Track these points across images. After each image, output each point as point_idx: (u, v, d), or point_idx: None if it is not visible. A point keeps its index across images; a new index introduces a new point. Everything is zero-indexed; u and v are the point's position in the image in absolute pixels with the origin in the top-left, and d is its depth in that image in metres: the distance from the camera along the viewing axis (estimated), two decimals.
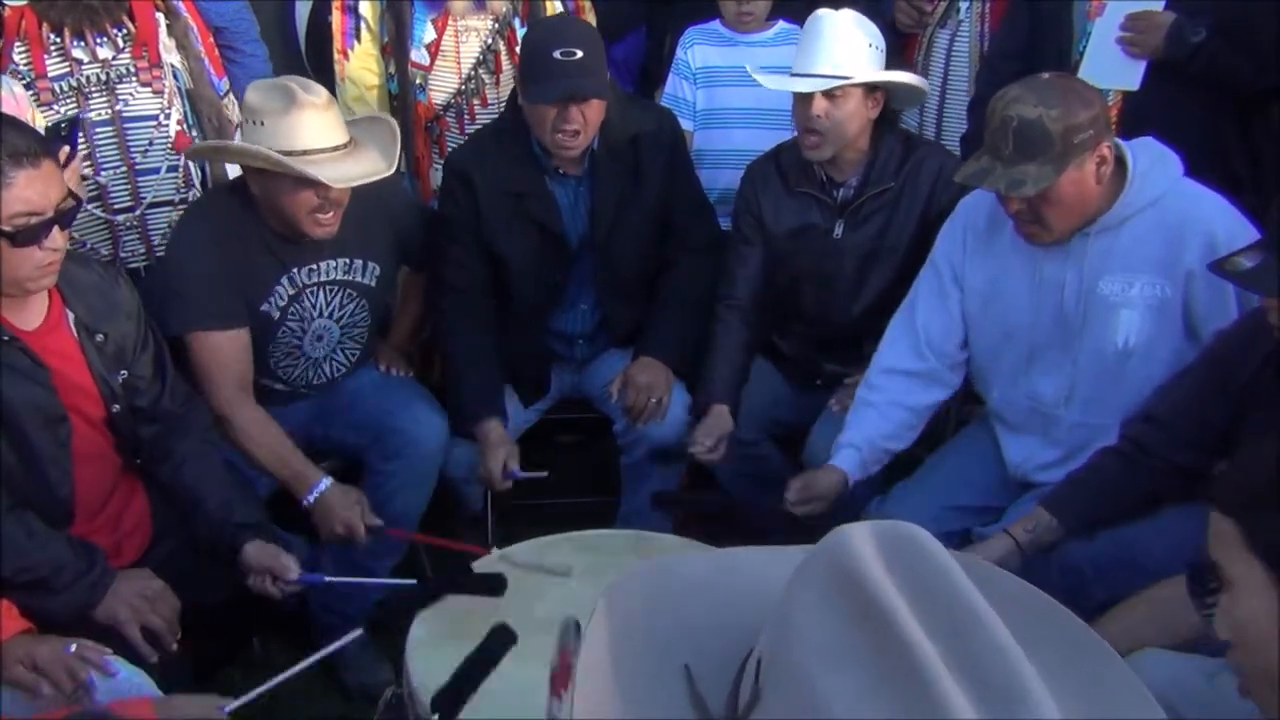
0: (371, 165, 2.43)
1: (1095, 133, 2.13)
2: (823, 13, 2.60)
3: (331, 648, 2.01)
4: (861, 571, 0.78)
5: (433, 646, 1.95)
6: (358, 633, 2.01)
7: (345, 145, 2.42)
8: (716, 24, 3.20)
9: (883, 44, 2.63)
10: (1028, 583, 1.05)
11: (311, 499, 2.46)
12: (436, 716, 1.59)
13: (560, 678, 1.35)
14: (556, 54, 2.49)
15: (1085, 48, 2.72)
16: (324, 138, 2.37)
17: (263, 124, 2.35)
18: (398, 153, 2.50)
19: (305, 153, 2.34)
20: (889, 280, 2.70)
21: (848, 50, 2.55)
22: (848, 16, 2.58)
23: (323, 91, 2.42)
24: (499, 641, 1.66)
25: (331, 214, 2.43)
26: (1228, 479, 1.23)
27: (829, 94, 2.54)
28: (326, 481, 2.47)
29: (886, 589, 0.77)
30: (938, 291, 2.47)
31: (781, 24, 3.19)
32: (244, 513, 2.28)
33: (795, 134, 3.11)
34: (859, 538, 0.80)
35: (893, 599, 0.76)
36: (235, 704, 1.83)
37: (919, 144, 2.77)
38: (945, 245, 2.47)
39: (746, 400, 2.79)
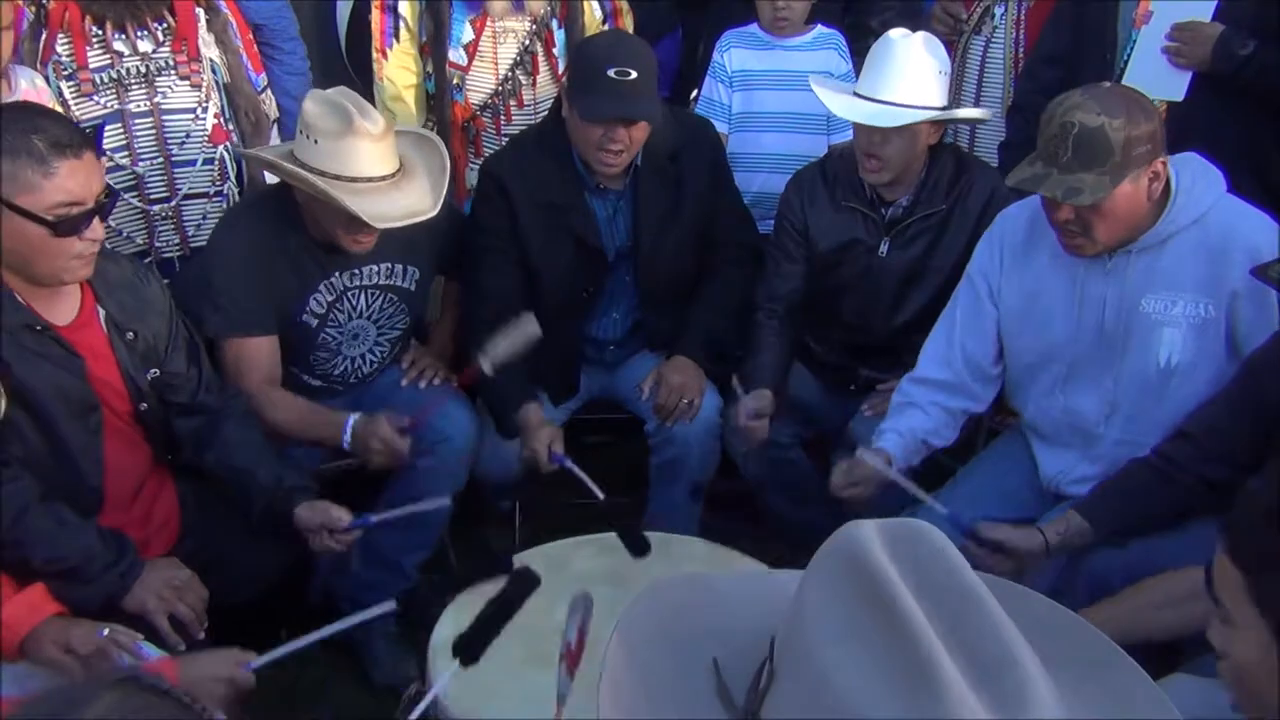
0: (417, 201, 2.43)
1: (1152, 147, 2.10)
2: (895, 37, 2.58)
3: (363, 615, 2.01)
4: (866, 557, 0.83)
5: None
6: (390, 605, 1.99)
7: (394, 175, 2.42)
8: (754, 27, 3.19)
9: (949, 67, 2.62)
10: (1055, 603, 1.07)
11: (348, 437, 2.47)
12: (458, 661, 1.57)
13: (574, 654, 1.35)
14: (611, 72, 2.46)
15: (1130, 56, 2.69)
16: (374, 167, 2.37)
17: (317, 143, 2.35)
18: (444, 188, 2.50)
19: (354, 180, 2.35)
20: (931, 298, 2.67)
21: (918, 79, 2.54)
22: (919, 43, 2.57)
23: (379, 119, 2.40)
24: (521, 586, 1.64)
25: (370, 236, 2.44)
26: (1238, 528, 1.23)
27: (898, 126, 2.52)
28: (353, 417, 2.48)
29: (889, 572, 0.82)
30: (974, 307, 2.44)
31: (819, 28, 3.18)
32: (293, 478, 2.30)
33: (829, 139, 3.13)
34: (866, 530, 0.86)
35: (894, 580, 0.81)
36: (259, 662, 1.86)
37: (970, 164, 2.75)
38: (981, 261, 2.44)
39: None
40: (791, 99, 3.12)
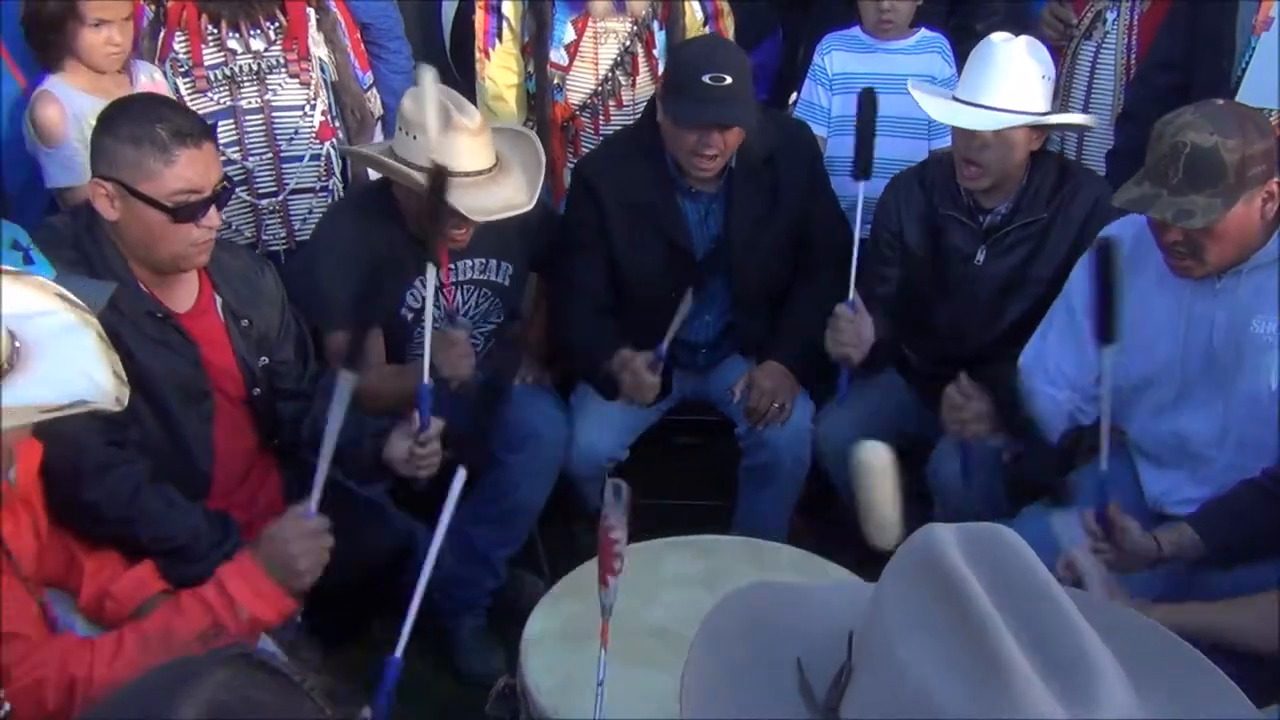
0: (513, 194, 2.46)
1: (1267, 167, 2.03)
2: (997, 41, 2.54)
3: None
4: (942, 556, 0.85)
5: (548, 644, 1.97)
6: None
7: (490, 170, 2.45)
8: (856, 30, 3.16)
9: (1053, 72, 2.57)
10: (1142, 615, 1.10)
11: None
12: None
13: (605, 560, 1.36)
14: (706, 78, 2.46)
15: (1248, 63, 2.60)
16: (471, 162, 2.41)
17: (415, 138, 2.40)
18: (540, 183, 2.52)
19: (452, 175, 2.37)
20: (1030, 309, 2.60)
21: (1020, 83, 2.49)
22: (1021, 47, 2.52)
23: (476, 114, 2.45)
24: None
25: (465, 230, 2.48)
26: None
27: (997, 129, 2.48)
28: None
29: (963, 570, 0.84)
30: (1070, 328, 2.38)
31: (923, 31, 3.13)
32: (375, 425, 2.29)
33: (929, 144, 3.09)
34: (944, 531, 0.89)
35: (968, 578, 0.84)
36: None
37: (1074, 172, 2.68)
38: (1082, 282, 2.37)
39: (871, 409, 2.75)
40: (893, 103, 3.05)
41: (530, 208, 2.47)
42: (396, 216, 2.55)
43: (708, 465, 3.20)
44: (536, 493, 2.71)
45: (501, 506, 2.67)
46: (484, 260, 2.67)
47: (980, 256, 2.64)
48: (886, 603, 0.87)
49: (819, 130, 3.11)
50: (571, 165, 3.04)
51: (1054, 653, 0.81)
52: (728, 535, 2.42)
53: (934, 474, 2.71)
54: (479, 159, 2.42)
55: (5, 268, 1.35)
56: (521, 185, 2.49)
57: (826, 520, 3.05)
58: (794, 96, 3.32)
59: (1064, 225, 2.59)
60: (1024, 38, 2.56)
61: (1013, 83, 2.50)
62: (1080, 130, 3.00)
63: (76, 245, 2.07)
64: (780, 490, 2.83)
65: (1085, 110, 3.01)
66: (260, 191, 2.82)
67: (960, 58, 3.01)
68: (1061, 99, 3.04)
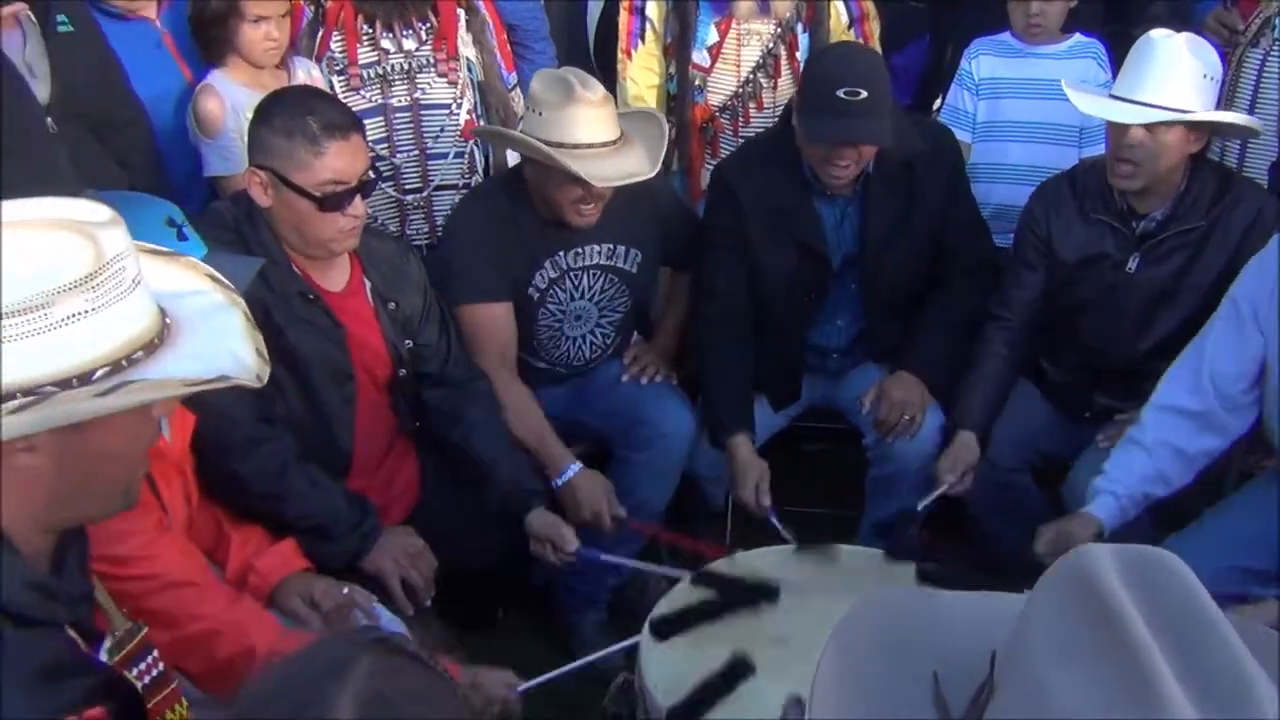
0: (635, 165, 2.49)
1: None
2: (1157, 36, 2.43)
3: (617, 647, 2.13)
4: (1097, 577, 0.81)
5: (667, 644, 1.98)
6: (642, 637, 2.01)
7: (615, 142, 2.49)
8: (1006, 35, 3.08)
9: (1219, 73, 2.44)
10: None
11: (560, 481, 2.52)
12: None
13: None
14: (840, 92, 2.41)
15: None
16: (595, 133, 2.45)
17: (541, 114, 2.46)
18: (663, 153, 2.55)
19: (576, 146, 2.43)
20: (1182, 321, 2.50)
21: (1180, 81, 2.38)
22: (1182, 43, 2.40)
23: (599, 88, 2.50)
24: (737, 671, 1.75)
25: (593, 206, 2.51)
26: None
27: (1150, 126, 2.38)
28: (576, 466, 2.53)
29: (1118, 592, 0.80)
30: (1235, 331, 2.27)
31: (1078, 36, 3.04)
32: (531, 482, 2.41)
33: (1079, 152, 2.99)
34: (1100, 551, 0.84)
35: (1122, 601, 0.79)
36: (528, 685, 1.94)
37: (1235, 181, 2.56)
38: (1251, 283, 2.26)
39: (1009, 426, 2.68)
40: (1042, 108, 3.00)
41: (652, 175, 2.50)
42: (525, 200, 2.60)
43: (834, 473, 3.17)
44: (659, 492, 2.72)
45: (624, 504, 2.69)
46: (611, 245, 2.69)
47: (1133, 264, 2.54)
48: (1035, 622, 0.84)
49: (963, 136, 3.05)
50: (709, 166, 3.05)
51: (1214, 685, 0.77)
52: (852, 545, 2.38)
53: (1070, 493, 2.63)
54: (602, 130, 2.46)
55: (158, 248, 1.42)
56: (644, 157, 2.52)
57: (954, 536, 2.98)
58: (939, 101, 3.26)
59: (1223, 235, 2.47)
60: (1186, 34, 2.44)
61: (1171, 79, 2.39)
62: (1243, 140, 2.86)
63: (236, 229, 2.19)
64: (908, 503, 2.78)
65: None
66: (406, 187, 2.90)
67: (1116, 65, 2.91)
68: (1225, 108, 2.90)
